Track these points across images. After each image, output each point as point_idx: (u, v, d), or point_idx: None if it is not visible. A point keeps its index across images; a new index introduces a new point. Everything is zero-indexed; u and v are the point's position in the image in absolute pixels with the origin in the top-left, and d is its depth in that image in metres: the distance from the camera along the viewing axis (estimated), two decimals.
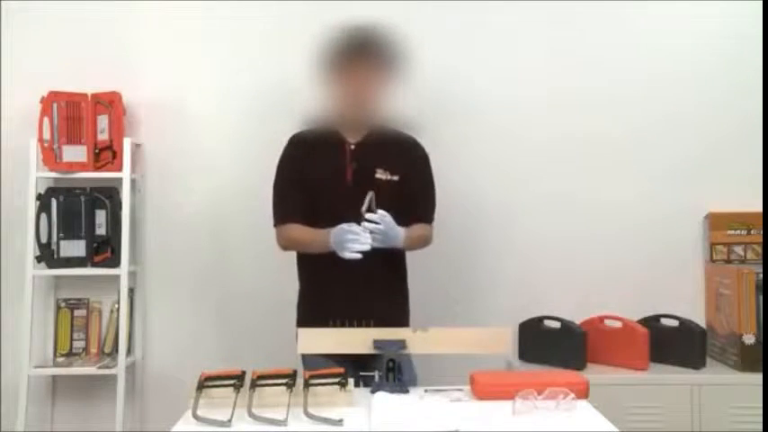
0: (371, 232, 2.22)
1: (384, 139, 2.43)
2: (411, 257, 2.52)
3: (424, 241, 2.50)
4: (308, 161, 2.41)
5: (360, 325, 2.13)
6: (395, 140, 2.46)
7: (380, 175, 2.38)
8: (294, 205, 2.41)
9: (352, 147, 2.41)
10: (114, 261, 2.92)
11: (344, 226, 2.23)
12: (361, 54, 2.34)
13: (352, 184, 2.36)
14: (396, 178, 2.39)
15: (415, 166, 2.47)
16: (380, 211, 2.24)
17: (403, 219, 2.34)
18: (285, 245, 2.46)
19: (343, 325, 2.16)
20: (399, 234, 2.31)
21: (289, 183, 2.43)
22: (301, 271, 2.49)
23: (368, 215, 2.23)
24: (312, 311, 2.43)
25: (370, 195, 2.24)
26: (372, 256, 2.22)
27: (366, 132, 2.43)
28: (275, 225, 2.45)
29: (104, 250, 2.96)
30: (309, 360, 2.21)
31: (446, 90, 2.96)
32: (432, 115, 2.76)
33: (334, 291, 2.34)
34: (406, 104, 2.44)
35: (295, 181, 2.41)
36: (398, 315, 2.42)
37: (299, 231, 2.40)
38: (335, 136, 2.42)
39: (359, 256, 2.20)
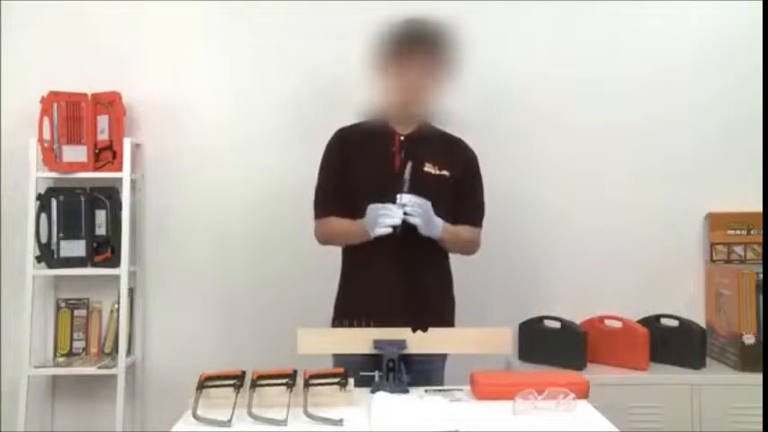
0: (404, 205, 2.17)
1: (435, 135, 2.40)
2: None
3: (472, 245, 2.44)
4: (354, 151, 2.37)
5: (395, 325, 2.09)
6: (445, 138, 2.42)
7: (429, 168, 2.33)
8: (335, 199, 2.36)
9: (402, 137, 2.37)
10: (114, 261, 2.93)
11: (376, 204, 2.20)
12: (415, 47, 2.28)
13: (398, 173, 2.29)
14: (446, 173, 2.35)
15: (467, 166, 2.41)
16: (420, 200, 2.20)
17: (450, 218, 2.30)
18: (323, 238, 2.41)
19: (377, 324, 2.12)
20: (438, 224, 2.26)
21: (331, 176, 2.39)
22: (343, 266, 2.43)
23: (401, 195, 2.19)
24: (348, 308, 2.34)
25: (408, 167, 2.22)
26: (412, 253, 2.23)
27: (417, 125, 2.39)
28: (315, 218, 2.41)
29: (104, 250, 2.96)
30: (341, 362, 2.14)
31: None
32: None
33: (372, 288, 2.31)
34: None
35: (338, 173, 2.37)
36: (439, 317, 2.32)
37: (336, 223, 2.35)
38: (385, 127, 2.38)
39: (389, 230, 2.16)
